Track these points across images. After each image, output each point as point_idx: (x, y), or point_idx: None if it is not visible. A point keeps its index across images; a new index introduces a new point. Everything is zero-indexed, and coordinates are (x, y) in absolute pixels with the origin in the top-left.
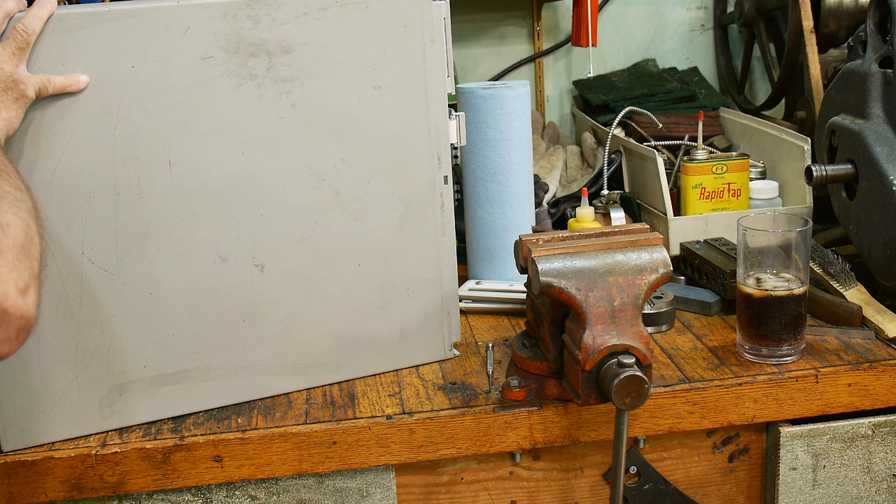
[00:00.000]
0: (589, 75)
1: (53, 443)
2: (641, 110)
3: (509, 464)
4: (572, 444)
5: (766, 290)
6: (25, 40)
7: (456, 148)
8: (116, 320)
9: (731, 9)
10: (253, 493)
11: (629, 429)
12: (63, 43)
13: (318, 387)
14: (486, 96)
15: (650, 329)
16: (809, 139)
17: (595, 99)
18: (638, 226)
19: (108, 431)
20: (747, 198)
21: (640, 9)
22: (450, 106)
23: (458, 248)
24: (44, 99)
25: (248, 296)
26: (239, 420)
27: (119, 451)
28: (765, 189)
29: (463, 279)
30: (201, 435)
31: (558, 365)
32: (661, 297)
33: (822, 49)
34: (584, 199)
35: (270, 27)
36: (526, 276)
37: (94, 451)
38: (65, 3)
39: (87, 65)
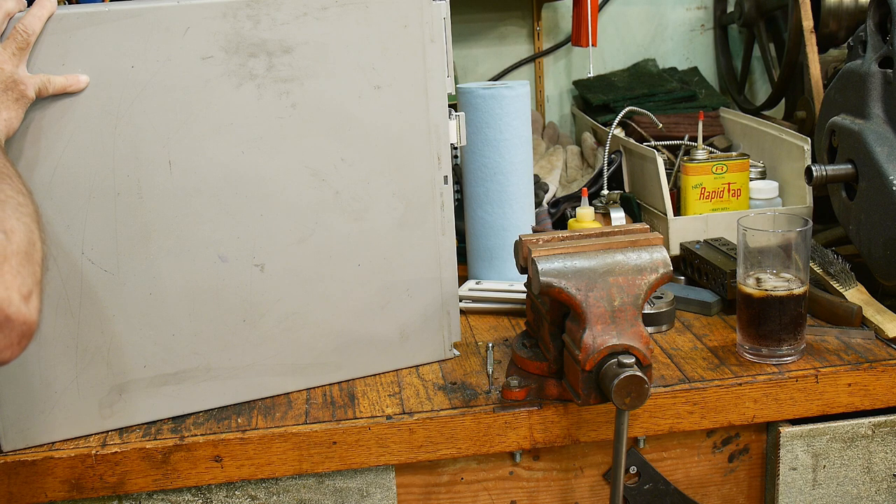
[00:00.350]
0: (589, 75)
1: (53, 443)
2: (641, 110)
3: (509, 464)
4: (572, 444)
5: (766, 290)
6: (25, 40)
7: (456, 148)
8: (116, 320)
9: (731, 9)
10: (253, 493)
11: (629, 429)
12: (63, 43)
13: (318, 387)
14: (486, 96)
15: (650, 329)
16: (809, 139)
17: (595, 99)
18: (638, 226)
19: (108, 431)
20: (747, 198)
21: (640, 9)
22: (450, 106)
23: (458, 248)
24: (44, 99)
25: (248, 296)
26: (239, 420)
27: (119, 451)
28: (765, 189)
29: (463, 279)
30: (201, 435)
31: (558, 365)
32: (661, 297)
33: (822, 49)
34: (584, 199)
35: (270, 27)
36: (526, 276)
37: (94, 451)
38: (65, 3)
39: (87, 65)
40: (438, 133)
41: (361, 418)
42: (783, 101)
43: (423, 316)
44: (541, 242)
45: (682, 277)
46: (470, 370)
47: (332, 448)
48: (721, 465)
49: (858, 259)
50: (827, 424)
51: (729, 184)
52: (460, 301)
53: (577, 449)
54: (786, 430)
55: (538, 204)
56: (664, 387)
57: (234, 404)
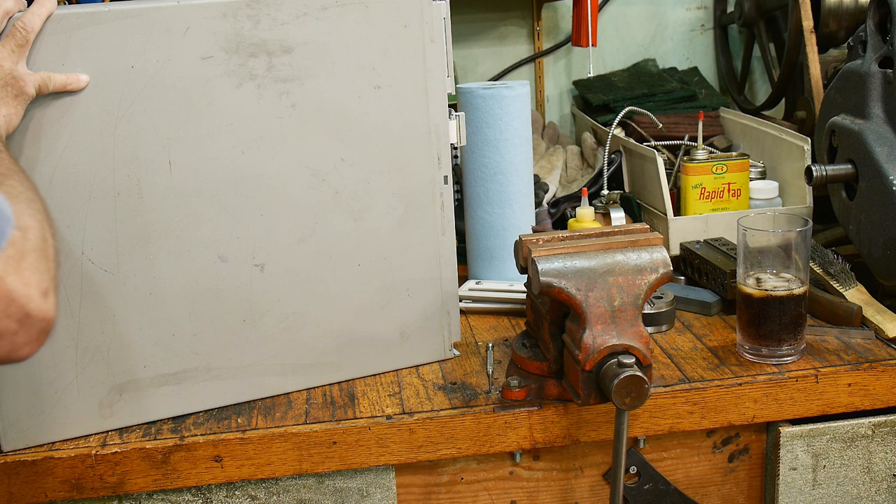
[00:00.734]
0: (589, 75)
1: (53, 443)
2: (641, 110)
3: (509, 464)
4: (572, 444)
5: (766, 290)
6: (25, 38)
7: (456, 148)
8: (116, 320)
9: (731, 9)
10: (253, 493)
11: (629, 429)
12: (63, 43)
13: (318, 387)
14: (486, 96)
15: (650, 329)
16: (809, 139)
17: (595, 99)
18: (638, 226)
19: (108, 431)
20: (747, 198)
21: (640, 9)
22: (450, 106)
23: (458, 248)
24: (44, 99)
25: (248, 296)
26: (239, 420)
27: (119, 451)
28: (765, 189)
29: (463, 279)
30: (201, 435)
31: (558, 365)
32: (661, 297)
33: (822, 49)
34: (584, 199)
35: (270, 27)
36: (526, 276)
37: (94, 451)
38: (65, 3)
39: (87, 65)
40: (438, 133)
41: (361, 418)
42: (783, 101)
43: (423, 316)
44: (541, 242)
45: (682, 277)
46: (470, 370)
47: (332, 448)
48: (721, 465)
49: (858, 259)
50: (827, 424)
51: (729, 184)
52: (460, 301)
53: (577, 449)
54: (786, 430)
55: (538, 204)
56: (664, 387)
57: (234, 404)
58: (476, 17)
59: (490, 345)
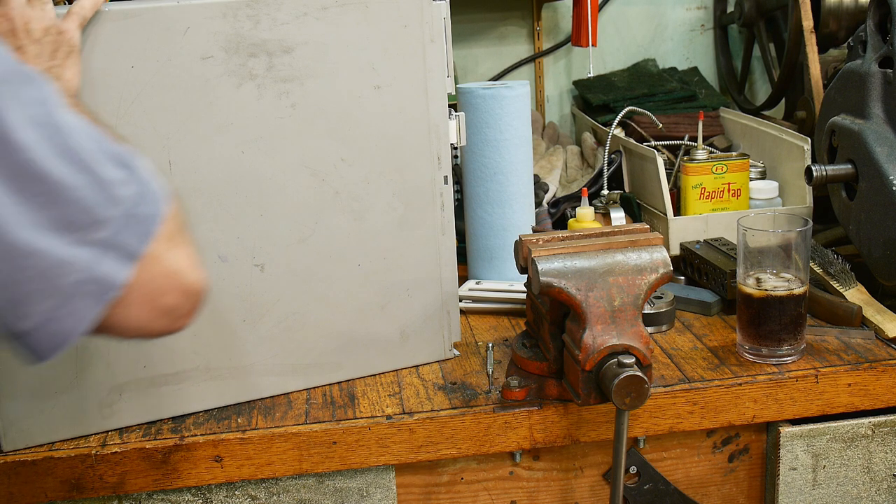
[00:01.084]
0: (589, 75)
1: (53, 443)
2: (641, 110)
3: (509, 464)
4: (572, 444)
5: (766, 290)
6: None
7: (456, 148)
8: None
9: (731, 9)
10: (253, 493)
11: (629, 429)
12: None
13: (318, 387)
14: (486, 96)
15: (650, 329)
16: (809, 139)
17: (595, 99)
18: (638, 226)
19: (108, 431)
20: (747, 198)
21: (640, 9)
22: (450, 106)
23: (458, 248)
24: None
25: (248, 296)
26: (239, 420)
27: (119, 451)
28: (765, 189)
29: (463, 279)
30: (201, 435)
31: (558, 365)
32: (661, 297)
33: (822, 49)
34: (584, 199)
35: (270, 27)
36: (526, 276)
37: (94, 451)
38: (64, 3)
39: (87, 65)
40: (438, 133)
41: (361, 418)
42: (783, 101)
43: (423, 316)
44: (541, 242)
45: (682, 277)
46: (470, 370)
47: (332, 448)
48: (721, 465)
49: (858, 259)
50: (827, 424)
51: (729, 184)
52: (460, 301)
53: (577, 449)
54: (786, 430)
55: (538, 204)
56: (664, 387)
57: (234, 404)
58: (476, 17)
59: (490, 345)
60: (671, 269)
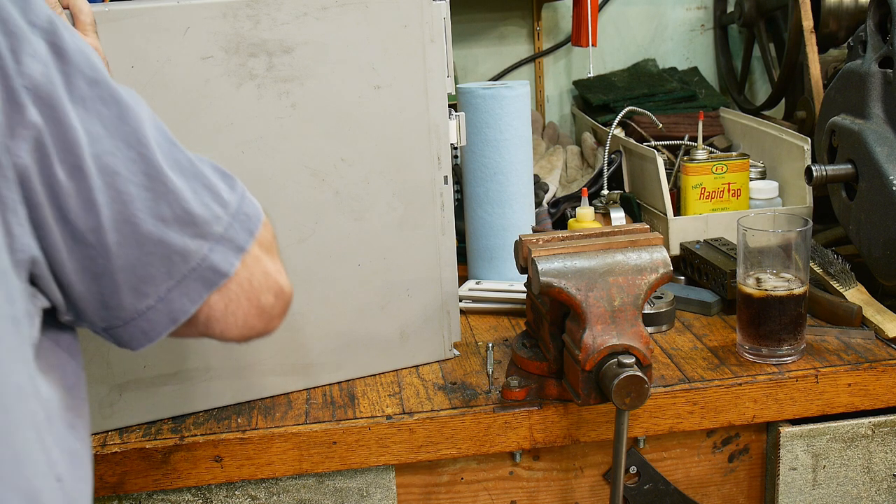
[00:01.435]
0: (589, 75)
1: None
2: (641, 110)
3: (509, 464)
4: (572, 444)
5: (766, 290)
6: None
7: (456, 148)
8: None
9: (731, 9)
10: (253, 493)
11: (629, 429)
12: None
13: (318, 387)
14: (486, 96)
15: (650, 329)
16: (809, 139)
17: (595, 99)
18: (638, 226)
19: (108, 431)
20: (747, 198)
21: (640, 9)
22: (450, 106)
23: (458, 248)
24: None
25: None
26: (239, 420)
27: (119, 451)
28: (765, 189)
29: (463, 279)
30: (201, 435)
31: (558, 365)
32: (661, 297)
33: (822, 49)
34: (584, 199)
35: (270, 27)
36: (526, 276)
37: (94, 451)
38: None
39: None
40: (438, 133)
41: (361, 418)
42: (783, 101)
43: (423, 316)
44: (541, 242)
45: (682, 277)
46: (470, 370)
47: (332, 448)
48: (721, 465)
49: (858, 259)
50: (827, 424)
51: (729, 184)
52: (460, 301)
53: (577, 449)
54: (786, 430)
55: (538, 204)
56: (664, 387)
57: (234, 404)
58: (476, 17)
59: (490, 345)
60: (671, 269)
